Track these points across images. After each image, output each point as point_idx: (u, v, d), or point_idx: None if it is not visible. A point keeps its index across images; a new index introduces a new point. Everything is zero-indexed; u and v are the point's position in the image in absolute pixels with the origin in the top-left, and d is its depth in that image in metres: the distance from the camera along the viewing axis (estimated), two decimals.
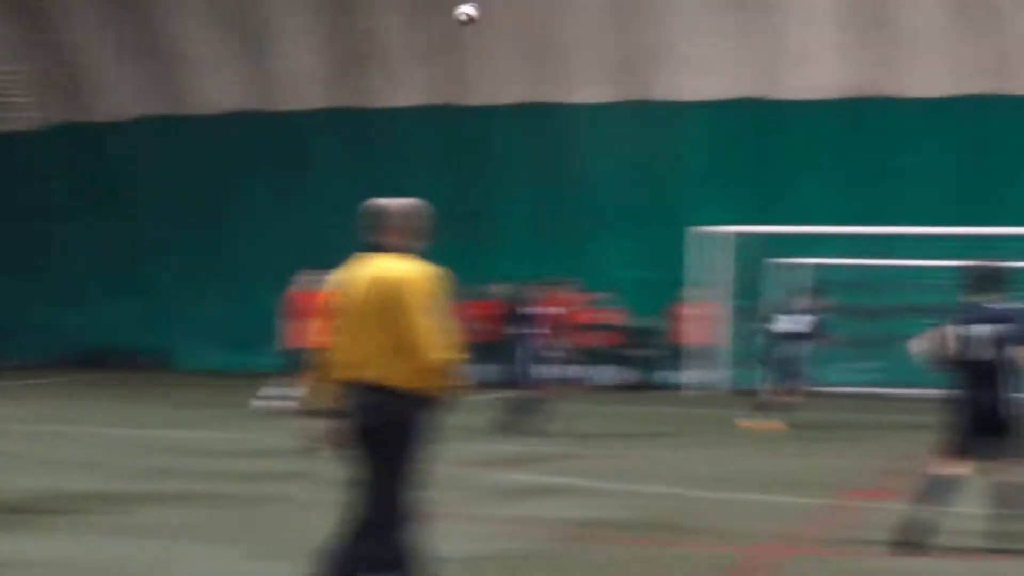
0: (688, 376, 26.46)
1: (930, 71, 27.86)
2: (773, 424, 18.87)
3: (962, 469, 9.48)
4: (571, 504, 11.71)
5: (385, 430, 6.66)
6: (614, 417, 21.34)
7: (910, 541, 9.30)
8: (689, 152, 29.18)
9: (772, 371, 19.49)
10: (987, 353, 9.44)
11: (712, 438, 18.19)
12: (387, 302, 6.66)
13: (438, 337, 6.62)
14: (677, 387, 26.29)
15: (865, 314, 27.01)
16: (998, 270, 9.82)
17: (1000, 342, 9.42)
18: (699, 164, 29.00)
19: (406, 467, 6.72)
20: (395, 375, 6.63)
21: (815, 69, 28.32)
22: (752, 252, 26.01)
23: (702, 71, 28.72)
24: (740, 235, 26.13)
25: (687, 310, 26.53)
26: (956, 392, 9.59)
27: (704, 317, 26.15)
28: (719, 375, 25.89)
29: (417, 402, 6.67)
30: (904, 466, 14.87)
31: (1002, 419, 9.42)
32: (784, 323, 19.53)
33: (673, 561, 9.25)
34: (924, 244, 25.01)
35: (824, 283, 23.52)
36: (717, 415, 20.90)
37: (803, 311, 19.78)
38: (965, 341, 9.52)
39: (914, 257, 25.32)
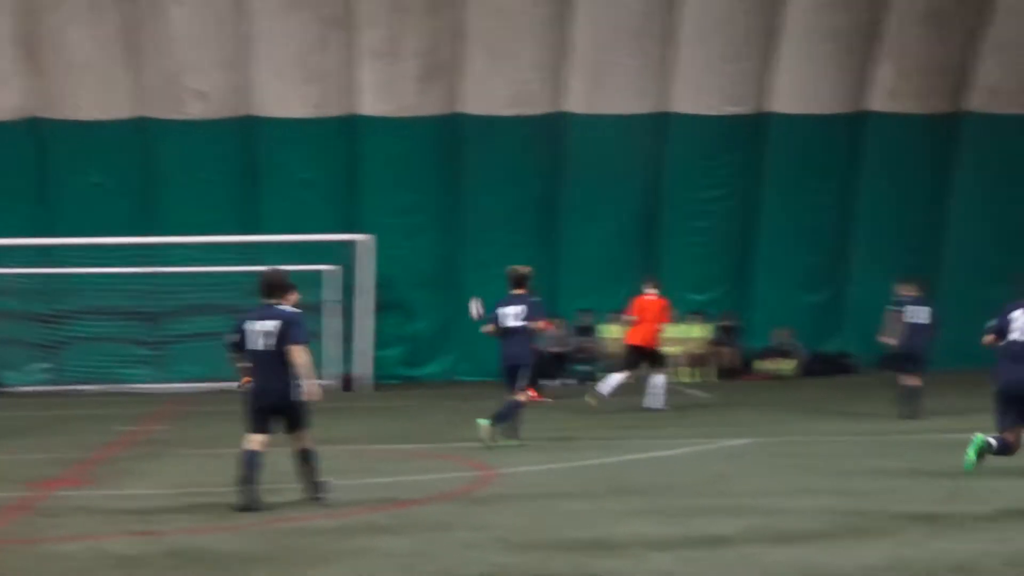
0: None
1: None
2: None
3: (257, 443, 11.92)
4: None
5: None
6: None
7: (248, 507, 11.47)
8: None
9: None
10: (269, 344, 11.82)
11: None
12: None
13: None
14: None
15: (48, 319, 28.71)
16: (280, 276, 12.38)
17: (281, 337, 11.78)
18: None
19: None
20: None
21: None
22: None
23: None
24: None
25: None
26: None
27: None
28: None
29: None
30: (89, 455, 16.36)
31: (286, 399, 11.83)
32: None
33: None
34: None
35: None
36: None
37: None
38: (252, 335, 11.89)
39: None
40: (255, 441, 11.95)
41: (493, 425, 16.30)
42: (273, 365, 11.82)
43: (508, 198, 30.88)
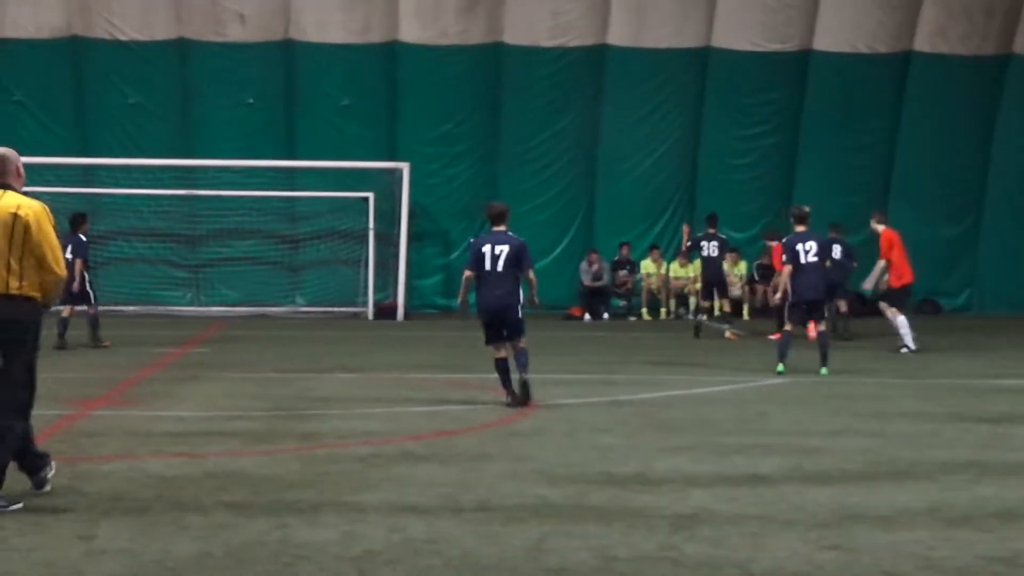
0: None
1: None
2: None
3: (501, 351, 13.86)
4: None
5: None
6: None
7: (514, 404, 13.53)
8: None
9: None
10: (501, 265, 13.80)
11: None
12: None
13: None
14: None
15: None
16: (506, 207, 14.45)
17: (513, 260, 13.87)
18: None
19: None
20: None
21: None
22: None
23: None
24: None
25: None
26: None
27: None
28: None
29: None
30: (128, 376, 16.47)
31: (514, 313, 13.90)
32: None
33: None
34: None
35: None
36: None
37: None
38: (488, 257, 13.75)
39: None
40: (500, 350, 13.88)
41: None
42: (504, 283, 13.66)
43: (547, 130, 30.75)
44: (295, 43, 30.00)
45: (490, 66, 30.45)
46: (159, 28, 29.64)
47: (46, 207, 8.69)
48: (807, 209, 18.29)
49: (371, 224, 29.40)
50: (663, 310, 29.63)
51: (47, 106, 29.71)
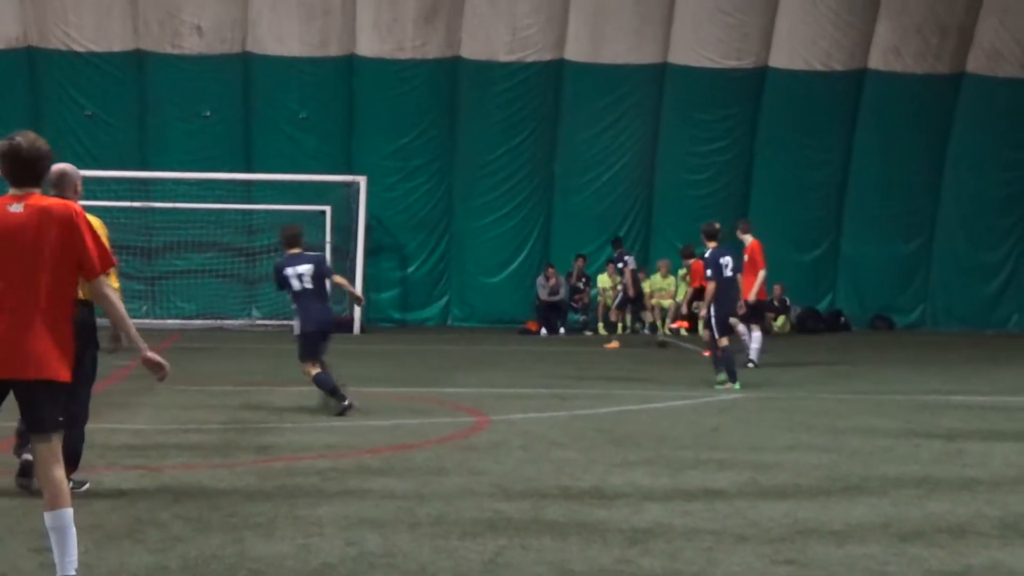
0: None
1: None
2: None
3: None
4: None
5: None
6: None
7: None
8: None
9: None
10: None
11: None
12: None
13: None
14: None
15: None
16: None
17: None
18: None
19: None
20: None
21: None
22: None
23: None
24: None
25: None
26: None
27: None
28: None
29: None
30: None
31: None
32: None
33: None
34: None
35: None
36: None
37: None
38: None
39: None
40: (315, 365, 14.60)
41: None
42: (322, 298, 14.72)
43: (504, 144, 30.82)
44: (252, 56, 29.95)
45: (448, 80, 30.50)
46: (116, 39, 29.54)
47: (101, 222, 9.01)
48: (718, 225, 18.51)
49: (328, 237, 29.35)
50: (619, 325, 29.73)
51: (1, 116, 29.51)
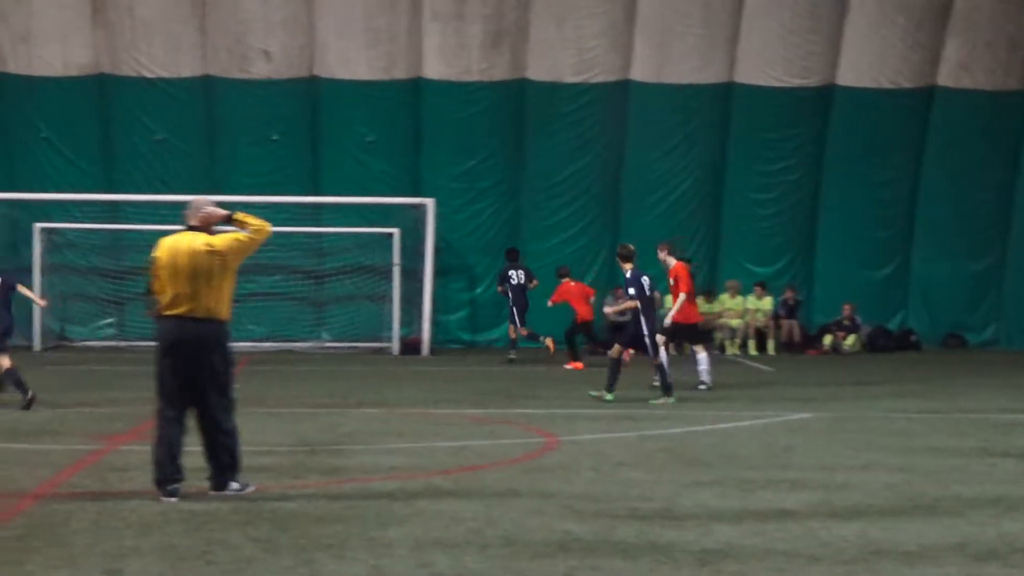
0: None
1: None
2: None
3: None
4: None
5: None
6: None
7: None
8: None
9: None
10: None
11: None
12: None
13: None
14: None
15: (112, 276, 29.04)
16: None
17: None
18: None
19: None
20: None
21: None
22: None
23: None
24: None
25: None
26: None
27: None
28: None
29: None
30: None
31: None
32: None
33: None
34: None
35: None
36: None
37: None
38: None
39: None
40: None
41: None
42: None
43: (571, 165, 30.81)
44: (320, 80, 30.16)
45: (514, 102, 30.54)
46: (185, 66, 29.85)
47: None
48: (632, 247, 19.02)
49: (396, 259, 29.47)
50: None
51: (74, 143, 29.94)
